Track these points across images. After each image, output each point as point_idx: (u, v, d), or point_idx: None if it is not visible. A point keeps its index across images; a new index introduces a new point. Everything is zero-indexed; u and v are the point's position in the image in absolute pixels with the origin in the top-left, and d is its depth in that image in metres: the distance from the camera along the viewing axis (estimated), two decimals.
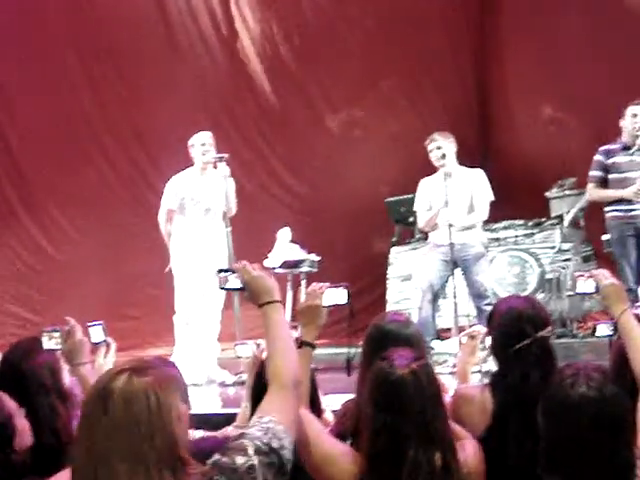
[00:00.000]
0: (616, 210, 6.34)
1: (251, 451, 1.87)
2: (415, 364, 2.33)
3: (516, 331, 2.78)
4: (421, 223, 6.67)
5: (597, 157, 6.44)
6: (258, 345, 3.41)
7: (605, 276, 2.75)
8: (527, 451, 2.50)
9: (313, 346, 2.63)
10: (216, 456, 1.86)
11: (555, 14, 8.89)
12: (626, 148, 6.26)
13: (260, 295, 2.27)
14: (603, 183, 6.41)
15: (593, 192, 6.51)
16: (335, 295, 2.75)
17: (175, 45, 9.42)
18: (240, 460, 1.85)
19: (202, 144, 6.52)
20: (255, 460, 1.86)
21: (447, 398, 2.85)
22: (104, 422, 1.76)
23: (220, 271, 2.55)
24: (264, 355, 3.26)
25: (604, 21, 8.58)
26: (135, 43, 9.19)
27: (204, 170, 6.58)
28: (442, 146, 6.41)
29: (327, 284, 2.77)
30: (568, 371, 2.25)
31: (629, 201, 6.15)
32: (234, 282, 2.41)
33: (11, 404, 2.69)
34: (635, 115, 6.29)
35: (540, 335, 2.75)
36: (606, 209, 6.44)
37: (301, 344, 2.60)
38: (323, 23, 9.50)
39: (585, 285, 2.84)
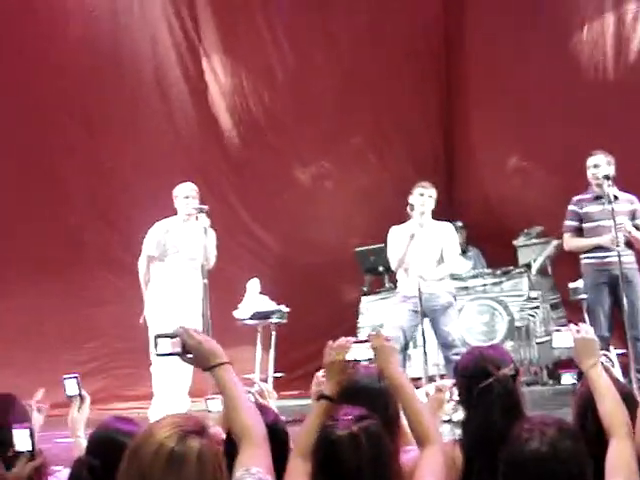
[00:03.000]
0: (591, 257, 6.44)
1: None
2: (357, 425, 2.28)
3: (478, 372, 2.76)
4: (394, 265, 6.71)
5: (571, 207, 6.55)
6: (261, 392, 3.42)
7: (577, 330, 2.77)
8: None
9: (332, 400, 2.63)
10: None
11: (522, 63, 9.06)
12: (598, 197, 6.37)
13: (208, 358, 2.32)
14: (579, 232, 6.52)
15: (570, 241, 6.60)
16: (360, 350, 2.74)
17: (144, 97, 9.43)
18: None
19: (185, 196, 6.59)
20: None
21: (415, 447, 2.85)
22: None
23: (158, 336, 2.46)
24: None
25: (571, 71, 8.78)
26: (102, 93, 9.17)
27: (187, 220, 6.63)
28: (432, 195, 6.56)
29: (353, 339, 2.78)
30: (525, 425, 2.26)
31: (605, 248, 6.24)
32: (171, 347, 2.40)
33: None
34: (596, 166, 6.42)
35: (502, 373, 2.72)
36: (581, 256, 6.53)
37: (320, 397, 2.64)
38: (292, 77, 9.62)
39: (562, 339, 2.85)
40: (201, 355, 2.34)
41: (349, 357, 2.71)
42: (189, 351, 2.36)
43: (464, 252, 9.00)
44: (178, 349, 2.38)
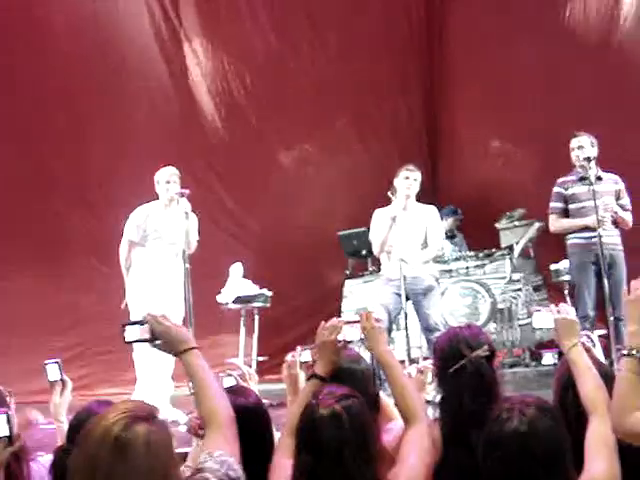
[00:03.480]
0: (577, 237, 6.45)
1: None
2: (339, 404, 2.30)
3: (453, 353, 2.77)
4: (376, 249, 6.71)
5: (556, 189, 6.55)
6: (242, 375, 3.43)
7: (557, 310, 2.78)
8: (465, 471, 2.53)
9: (323, 379, 2.71)
10: None
11: (504, 47, 9.05)
12: (582, 179, 6.37)
13: (177, 344, 2.38)
14: (564, 214, 6.53)
15: (556, 223, 6.59)
16: (350, 331, 2.81)
17: (125, 82, 9.36)
18: None
19: (167, 181, 6.54)
20: None
21: (395, 425, 2.87)
22: (121, 471, 1.75)
23: (125, 324, 2.50)
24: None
25: (552, 53, 8.77)
26: (84, 78, 9.09)
27: (168, 205, 6.59)
28: (417, 179, 6.56)
29: (344, 320, 2.84)
30: (505, 405, 2.28)
31: (591, 229, 6.26)
32: (138, 333, 2.43)
33: None
34: (580, 147, 6.43)
35: (474, 355, 2.73)
36: (567, 236, 6.54)
37: (310, 376, 2.73)
38: (274, 60, 9.58)
39: (542, 320, 2.87)
40: (170, 341, 2.39)
41: (340, 337, 2.77)
42: (158, 337, 2.40)
43: (453, 237, 9.04)
44: (147, 335, 2.42)
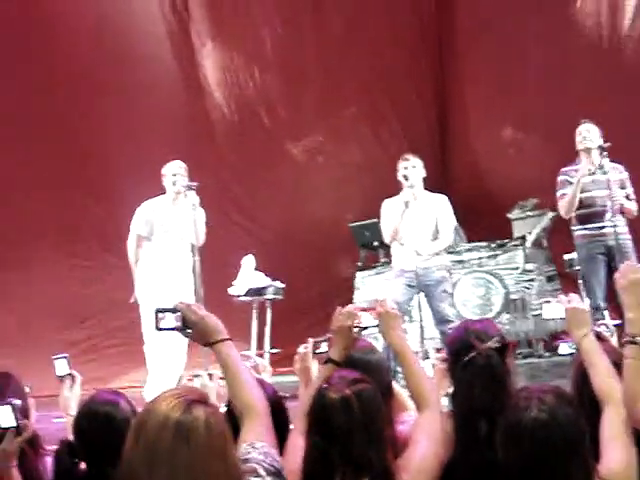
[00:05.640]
0: (585, 229, 6.41)
1: (262, 472, 1.98)
2: (350, 389, 2.29)
3: (463, 345, 2.75)
4: (387, 237, 6.68)
5: (562, 177, 6.49)
6: (210, 375, 3.42)
7: (568, 300, 2.76)
8: (476, 465, 2.51)
9: (338, 364, 2.73)
10: None
11: (514, 38, 9.01)
12: (600, 167, 6.29)
13: (210, 334, 2.35)
14: None
15: (561, 203, 6.51)
16: (366, 318, 2.84)
17: (136, 74, 9.35)
18: None
19: (173, 174, 6.52)
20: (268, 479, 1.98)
21: (410, 417, 2.86)
22: (184, 454, 1.74)
23: (159, 311, 2.45)
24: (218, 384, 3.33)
25: (564, 42, 8.73)
26: (93, 68, 9.10)
27: (175, 199, 6.58)
28: (416, 165, 6.51)
29: (360, 306, 2.90)
30: (523, 394, 2.27)
31: (599, 219, 6.21)
32: (172, 322, 2.40)
33: None
34: (587, 133, 6.37)
35: (484, 347, 2.70)
36: (574, 227, 6.49)
37: (326, 361, 2.75)
38: (283, 52, 9.55)
39: (553, 310, 2.84)
40: (202, 331, 2.35)
41: (356, 323, 2.80)
42: (189, 326, 2.37)
43: None
44: (179, 324, 2.38)
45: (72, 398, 3.20)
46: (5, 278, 8.63)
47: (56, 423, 3.64)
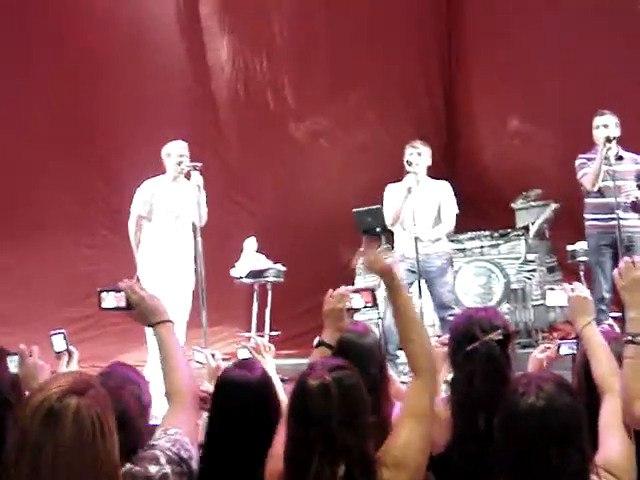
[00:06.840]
0: (596, 219, 6.37)
1: (163, 460, 1.97)
2: (330, 375, 2.27)
3: (466, 334, 2.75)
4: (389, 221, 6.68)
5: (580, 160, 6.35)
6: (213, 355, 3.44)
7: (571, 288, 2.76)
8: (472, 455, 2.52)
9: (330, 347, 2.73)
10: (128, 465, 1.92)
11: (522, 28, 8.97)
12: (605, 158, 6.21)
13: (151, 315, 2.36)
14: None
15: (586, 179, 6.26)
16: (357, 299, 2.83)
17: (145, 57, 9.32)
18: (153, 469, 1.95)
19: (180, 154, 6.49)
20: (168, 469, 1.96)
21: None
22: (50, 443, 1.75)
23: (102, 291, 2.48)
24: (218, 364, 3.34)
25: (572, 32, 8.67)
26: (102, 51, 9.09)
27: (176, 179, 6.56)
28: (422, 152, 6.50)
29: (352, 288, 2.86)
30: (522, 380, 2.27)
31: (610, 211, 6.16)
32: (114, 301, 2.42)
33: None
34: (606, 126, 6.28)
35: (487, 338, 2.70)
36: (586, 217, 6.44)
37: (318, 344, 2.73)
38: (291, 36, 9.52)
39: (556, 298, 2.84)
40: (143, 311, 2.37)
41: (348, 305, 2.79)
42: (132, 306, 2.38)
43: None
44: (122, 304, 2.40)
45: None
46: (9, 258, 8.64)
47: None
